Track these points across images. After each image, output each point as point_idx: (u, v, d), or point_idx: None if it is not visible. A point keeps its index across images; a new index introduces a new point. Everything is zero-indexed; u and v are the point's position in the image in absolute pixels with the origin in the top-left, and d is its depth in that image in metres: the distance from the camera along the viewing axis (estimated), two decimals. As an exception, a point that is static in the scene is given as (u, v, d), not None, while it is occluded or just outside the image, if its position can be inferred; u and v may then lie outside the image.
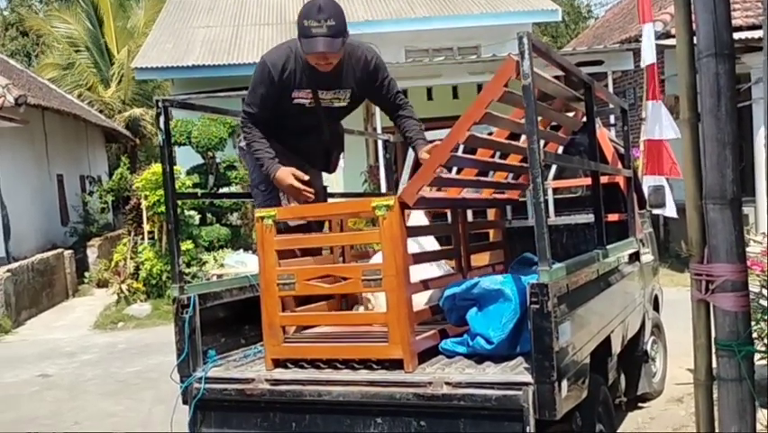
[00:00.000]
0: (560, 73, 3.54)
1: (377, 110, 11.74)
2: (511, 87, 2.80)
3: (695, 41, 2.51)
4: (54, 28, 23.66)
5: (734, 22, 2.69)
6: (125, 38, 22.84)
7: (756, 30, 10.11)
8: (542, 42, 2.86)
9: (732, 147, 2.43)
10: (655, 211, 5.68)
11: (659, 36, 10.57)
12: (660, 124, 8.39)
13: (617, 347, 3.65)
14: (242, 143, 3.68)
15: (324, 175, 4.00)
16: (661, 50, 10.49)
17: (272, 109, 3.47)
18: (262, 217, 3.14)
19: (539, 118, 2.82)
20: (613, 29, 15.95)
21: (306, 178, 3.43)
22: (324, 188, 4.08)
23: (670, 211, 7.45)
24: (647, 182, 6.92)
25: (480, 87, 12.89)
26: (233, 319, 3.51)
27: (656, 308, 5.24)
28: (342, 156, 3.89)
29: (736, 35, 5.30)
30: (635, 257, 4.35)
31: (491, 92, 2.79)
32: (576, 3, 31.06)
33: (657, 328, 5.19)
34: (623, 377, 4.31)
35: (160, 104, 3.32)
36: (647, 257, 4.82)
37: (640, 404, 4.91)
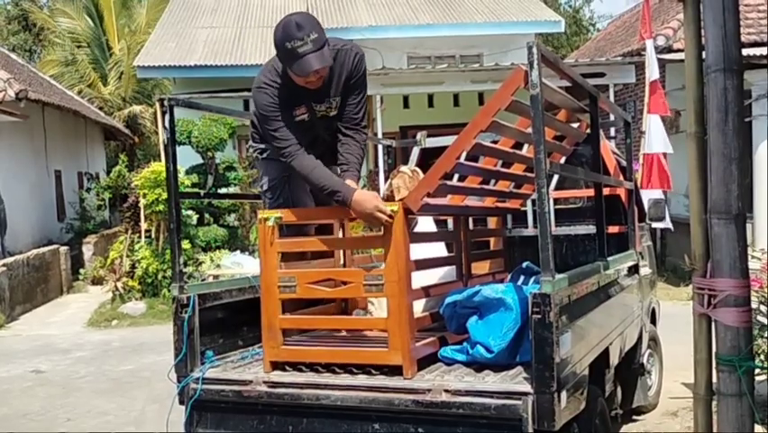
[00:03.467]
0: (565, 83, 3.55)
1: (378, 115, 11.76)
2: (517, 97, 2.80)
3: (703, 56, 2.53)
4: (57, 23, 23.66)
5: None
6: (127, 36, 22.82)
7: (758, 47, 10.14)
8: (550, 53, 2.86)
9: (738, 162, 2.44)
10: (654, 225, 5.68)
11: (661, 50, 10.60)
12: (654, 138, 8.51)
13: (614, 359, 3.64)
14: (252, 150, 3.61)
15: None
16: (663, 63, 10.53)
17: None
18: (265, 219, 3.12)
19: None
20: (615, 42, 15.96)
21: (388, 209, 2.96)
22: None
23: (667, 223, 7.51)
24: (645, 195, 6.96)
25: (481, 95, 12.93)
26: (231, 320, 3.49)
27: (653, 321, 5.24)
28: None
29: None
30: (634, 270, 4.35)
31: (499, 101, 2.78)
32: (579, 15, 31.08)
33: (654, 342, 5.19)
34: (619, 389, 4.31)
35: (165, 103, 3.30)
36: (646, 270, 4.82)
37: (635, 417, 4.91)
